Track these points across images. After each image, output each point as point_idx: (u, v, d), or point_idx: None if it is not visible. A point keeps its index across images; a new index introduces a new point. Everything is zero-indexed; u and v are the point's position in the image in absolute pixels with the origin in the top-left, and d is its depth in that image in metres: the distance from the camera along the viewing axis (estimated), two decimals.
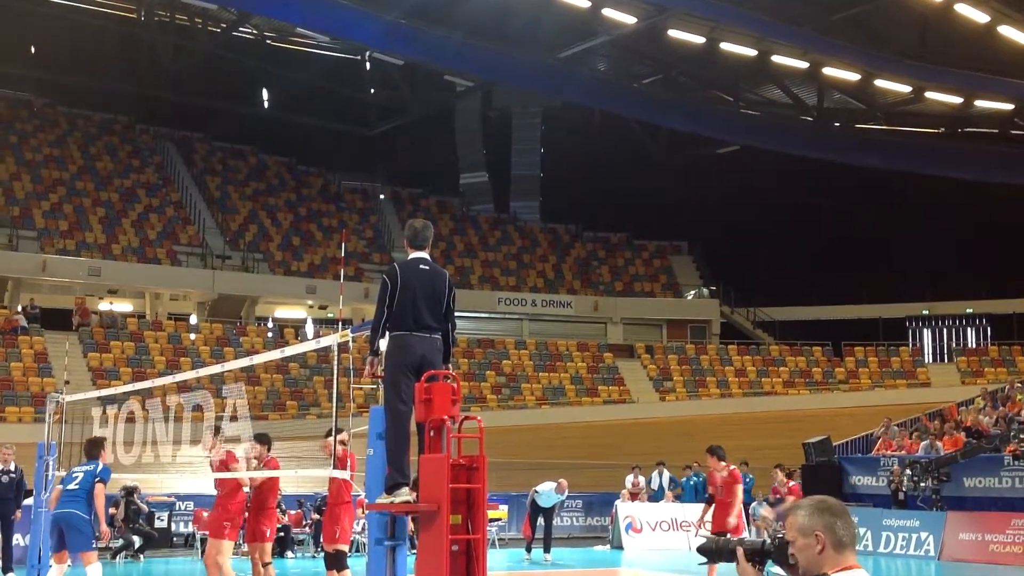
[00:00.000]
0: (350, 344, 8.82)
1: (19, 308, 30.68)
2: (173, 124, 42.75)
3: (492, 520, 19.10)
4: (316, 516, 18.84)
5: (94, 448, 11.24)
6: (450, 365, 7.57)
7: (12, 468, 15.50)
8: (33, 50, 42.18)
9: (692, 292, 43.88)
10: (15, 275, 31.93)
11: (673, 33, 30.22)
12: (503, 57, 32.10)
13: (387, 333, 7.36)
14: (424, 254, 7.58)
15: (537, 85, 36.63)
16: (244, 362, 14.01)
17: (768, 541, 3.54)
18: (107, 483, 11.29)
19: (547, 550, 19.28)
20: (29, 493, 15.52)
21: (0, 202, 34.78)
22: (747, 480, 18.61)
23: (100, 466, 11.19)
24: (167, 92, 39.86)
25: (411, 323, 7.29)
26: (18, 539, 16.22)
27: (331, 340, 9.00)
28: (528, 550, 19.55)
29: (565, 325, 40.18)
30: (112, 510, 19.12)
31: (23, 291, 32.18)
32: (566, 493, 19.76)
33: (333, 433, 9.54)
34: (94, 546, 11.09)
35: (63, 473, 12.18)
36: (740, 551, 3.57)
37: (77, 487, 10.90)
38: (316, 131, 44.20)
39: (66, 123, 41.14)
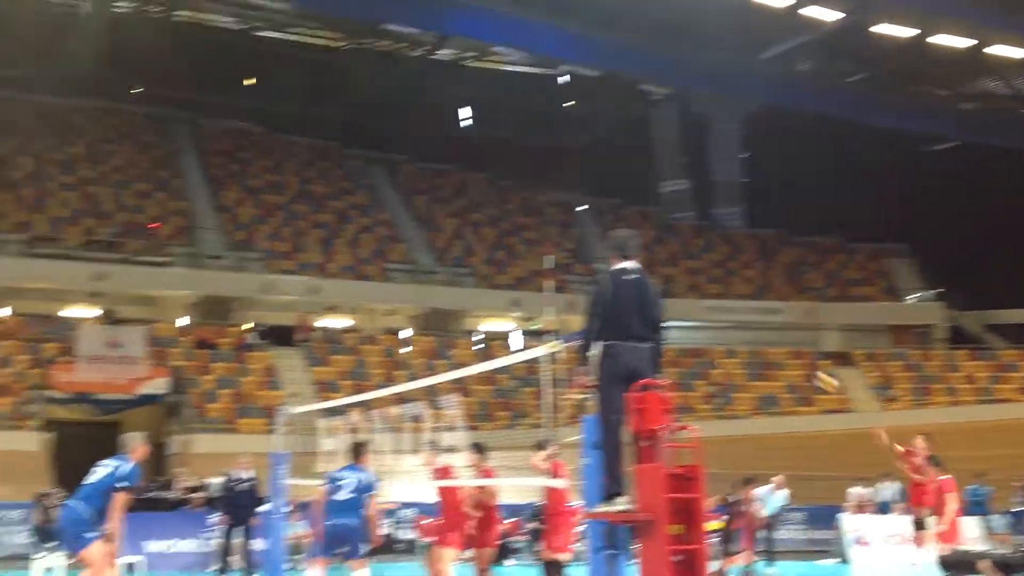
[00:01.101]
0: (558, 355, 8.91)
1: (251, 326, 32.54)
2: (379, 147, 44.47)
3: (710, 531, 18.83)
4: (532, 525, 19.07)
5: (359, 452, 11.46)
6: (660, 375, 7.52)
7: (248, 476, 16.49)
8: (250, 82, 44.94)
9: (913, 296, 41.84)
10: (242, 295, 33.95)
11: (878, 28, 29.07)
12: (700, 64, 31.75)
13: (597, 343, 7.39)
14: (632, 263, 7.56)
15: (736, 90, 36.01)
16: (458, 373, 14.42)
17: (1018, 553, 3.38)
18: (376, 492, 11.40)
19: (770, 562, 18.81)
20: (262, 501, 16.45)
21: (227, 227, 37.13)
22: (982, 492, 17.65)
23: (366, 475, 11.39)
24: (372, 118, 41.60)
25: (621, 333, 7.28)
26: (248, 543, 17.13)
27: (541, 351, 9.10)
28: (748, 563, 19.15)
29: (776, 333, 39.16)
30: None
31: (250, 309, 34.17)
32: (785, 493, 19.16)
33: (541, 449, 9.73)
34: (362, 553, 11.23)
35: (297, 481, 12.72)
36: (987, 563, 3.42)
37: (350, 496, 11.12)
38: (514, 146, 44.95)
39: (282, 150, 43.54)
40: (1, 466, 23.20)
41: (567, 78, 42.57)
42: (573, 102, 44.20)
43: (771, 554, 18.86)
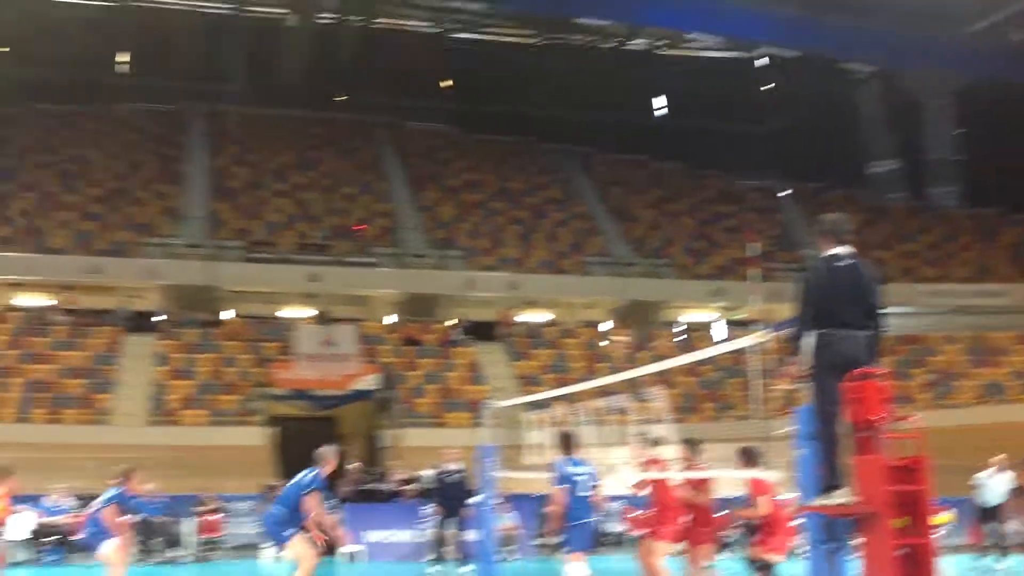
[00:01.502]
0: (765, 345, 8.68)
1: (454, 322, 33.35)
2: (574, 141, 44.64)
3: (937, 525, 17.87)
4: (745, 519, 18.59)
5: (568, 442, 11.54)
6: (877, 363, 7.17)
7: (457, 468, 16.85)
8: (447, 84, 46.07)
9: None
10: (445, 292, 34.81)
11: None
12: (906, 40, 30.22)
13: (810, 332, 7.12)
14: (845, 249, 7.27)
15: (946, 64, 34.09)
16: (662, 365, 14.21)
17: None
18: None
19: (1003, 556, 17.70)
20: (472, 492, 16.76)
21: (429, 226, 38.17)
22: None
23: (590, 467, 11.48)
24: (565, 111, 41.80)
25: (836, 321, 7.01)
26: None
27: (748, 341, 8.92)
28: (980, 557, 18.10)
29: (999, 317, 36.81)
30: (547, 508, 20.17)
31: (452, 306, 35.01)
32: (1010, 475, 17.94)
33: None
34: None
35: (505, 473, 12.83)
36: None
37: (588, 491, 11.21)
38: (710, 133, 44.21)
39: (478, 149, 44.41)
40: (229, 460, 24.64)
41: (765, 61, 41.49)
42: (771, 85, 43.04)
43: (1003, 548, 17.71)
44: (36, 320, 30.67)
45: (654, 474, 10.76)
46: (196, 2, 40.52)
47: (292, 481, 11.34)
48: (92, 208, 36.10)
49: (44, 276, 32.96)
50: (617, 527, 21.31)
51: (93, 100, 42.30)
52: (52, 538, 17.03)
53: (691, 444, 11.21)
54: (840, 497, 6.83)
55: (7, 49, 41.12)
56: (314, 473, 11.16)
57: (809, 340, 7.10)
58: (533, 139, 45.13)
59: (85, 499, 18.63)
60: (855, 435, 6.93)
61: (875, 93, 46.80)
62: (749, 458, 10.09)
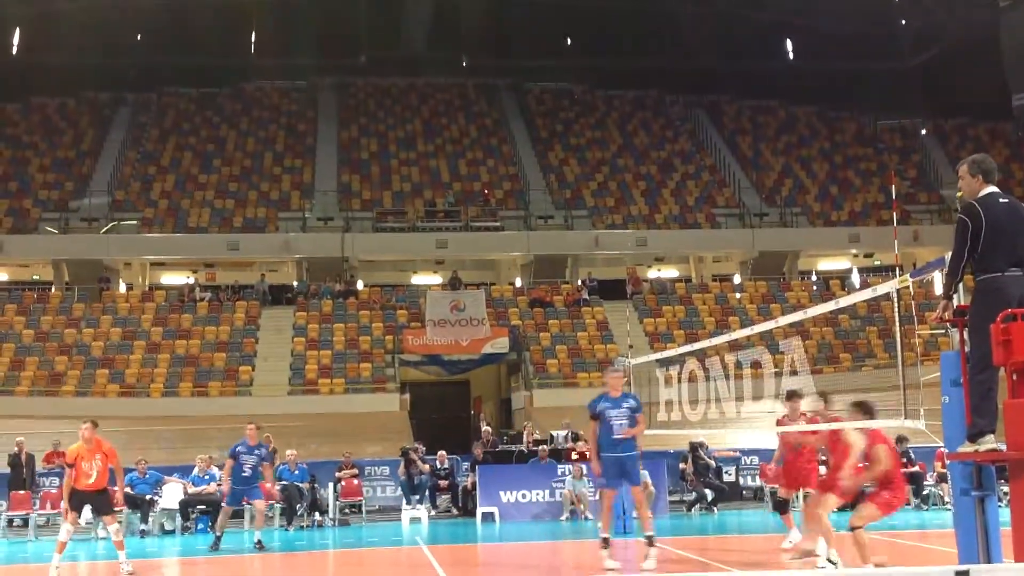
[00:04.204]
0: (906, 291, 8.27)
1: (579, 282, 33.18)
2: (699, 90, 43.58)
3: None
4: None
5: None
6: None
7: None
8: (569, 41, 45.53)
9: None
10: (573, 252, 34.56)
11: None
12: None
13: (973, 274, 6.66)
14: (995, 188, 6.75)
15: None
16: (797, 316, 13.71)
17: None
18: None
19: None
20: None
21: (554, 187, 37.91)
22: None
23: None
24: (690, 60, 40.76)
25: (1002, 262, 6.52)
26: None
27: (889, 287, 8.61)
28: None
29: None
30: (682, 464, 19.91)
31: (580, 266, 34.74)
32: None
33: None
34: None
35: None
36: None
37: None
38: (844, 74, 42.48)
39: (603, 105, 43.82)
40: (367, 426, 25.12)
41: None
42: (908, 20, 41.08)
43: None
44: (179, 296, 31.78)
45: (828, 425, 10.27)
46: None
47: None
48: (228, 186, 37.16)
49: (186, 255, 34.21)
50: (755, 481, 20.88)
51: (225, 82, 43.46)
52: (200, 507, 17.62)
53: (823, 396, 10.81)
54: (988, 443, 6.38)
55: (140, 37, 42.53)
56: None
57: (971, 283, 6.67)
58: (658, 92, 44.27)
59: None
60: (1008, 378, 6.45)
61: (1019, 20, 44.12)
62: (866, 410, 9.61)
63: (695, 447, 19.82)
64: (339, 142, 40.66)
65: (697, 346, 14.77)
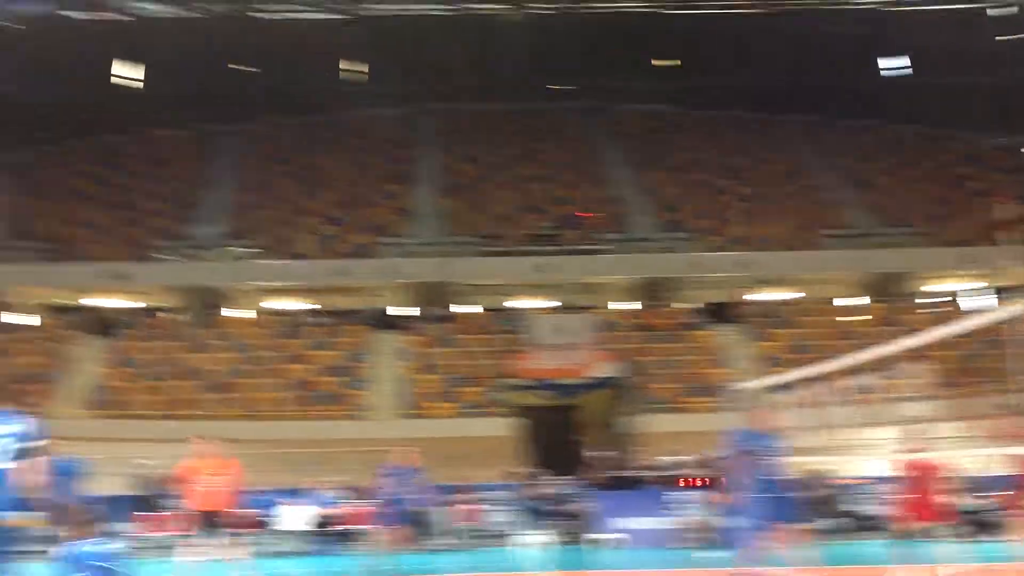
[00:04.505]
0: None
1: (691, 305, 32.84)
2: (798, 110, 43.01)
3: None
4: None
5: None
6: None
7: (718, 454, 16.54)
8: (661, 63, 45.48)
9: None
10: (672, 275, 34.18)
11: None
12: None
13: None
14: None
15: None
16: (915, 340, 13.48)
17: None
18: None
19: None
20: None
21: (654, 209, 37.78)
22: None
23: None
24: (787, 78, 40.41)
25: None
26: None
27: (1011, 310, 9.49)
28: None
29: None
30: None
31: (684, 289, 34.49)
32: None
33: None
34: None
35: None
36: None
37: None
38: (947, 91, 41.46)
39: (698, 126, 43.75)
40: (477, 450, 25.27)
41: (1004, 10, 38.70)
42: (1009, 37, 40.08)
43: None
44: (291, 322, 32.47)
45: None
46: (417, 5, 41.62)
47: None
48: (332, 212, 37.88)
49: (294, 281, 34.93)
50: (874, 510, 20.46)
51: (326, 109, 44.37)
52: (331, 528, 17.98)
53: None
54: None
55: (256, 69, 43.62)
56: None
57: None
58: (754, 111, 43.89)
59: (359, 491, 19.62)
60: None
61: None
62: None
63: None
64: (439, 167, 41.17)
65: (811, 371, 14.67)
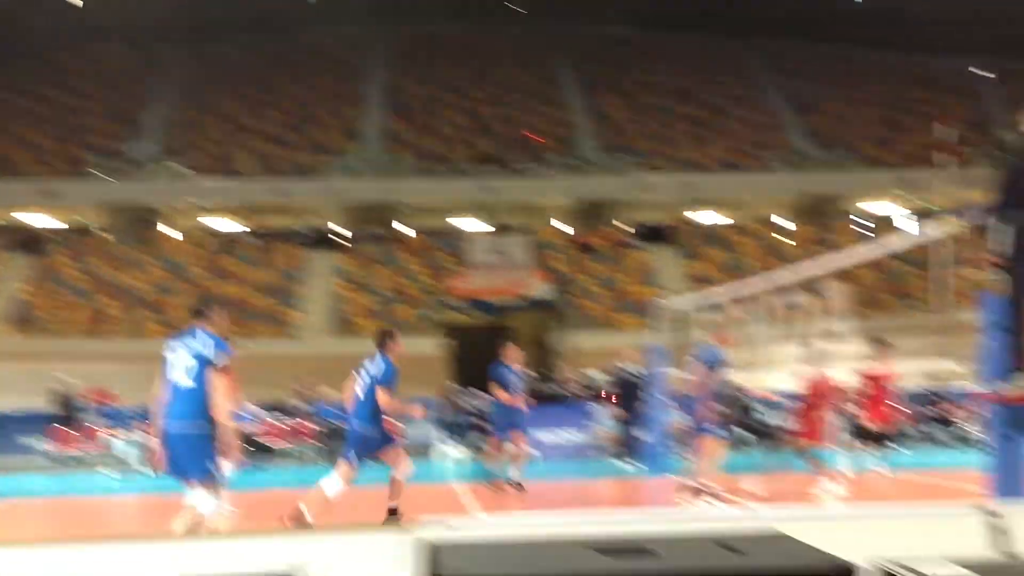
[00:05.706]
0: (955, 234, 8.38)
1: (628, 228, 32.77)
2: (753, 34, 42.56)
3: None
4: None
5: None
6: None
7: (635, 369, 16.52)
8: None
9: None
10: (617, 197, 34.07)
11: None
12: None
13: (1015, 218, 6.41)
14: None
15: None
16: (841, 260, 13.44)
17: None
18: None
19: None
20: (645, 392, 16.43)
21: (603, 132, 37.42)
22: None
23: None
24: (743, 2, 39.85)
25: None
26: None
27: (936, 231, 8.89)
28: None
29: None
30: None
31: (625, 211, 34.34)
32: None
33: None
34: None
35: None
36: None
37: None
38: (902, 14, 41.08)
39: (653, 50, 43.12)
40: (408, 369, 25.12)
41: None
42: None
43: None
44: (225, 240, 32.02)
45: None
46: None
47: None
48: (278, 132, 37.13)
49: (233, 200, 34.33)
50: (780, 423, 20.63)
51: (278, 28, 43.16)
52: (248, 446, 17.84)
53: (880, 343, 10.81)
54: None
55: None
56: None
57: (1013, 227, 6.41)
58: (709, 35, 43.36)
59: (273, 408, 19.49)
60: None
61: None
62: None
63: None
64: (388, 88, 40.41)
65: (734, 289, 14.61)
